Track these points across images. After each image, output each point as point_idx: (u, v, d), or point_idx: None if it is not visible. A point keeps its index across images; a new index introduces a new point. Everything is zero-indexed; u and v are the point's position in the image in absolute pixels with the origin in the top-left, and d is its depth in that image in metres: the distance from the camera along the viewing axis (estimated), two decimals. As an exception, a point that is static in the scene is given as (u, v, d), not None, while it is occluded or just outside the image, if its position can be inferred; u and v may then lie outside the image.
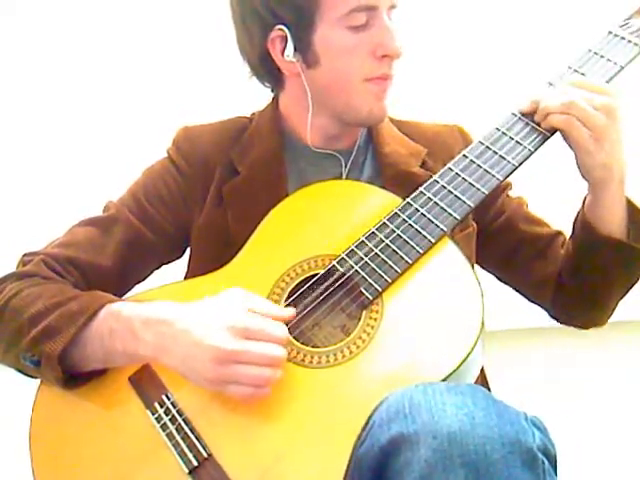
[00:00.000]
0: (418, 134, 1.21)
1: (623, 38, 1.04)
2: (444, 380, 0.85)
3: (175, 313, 0.93)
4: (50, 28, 1.99)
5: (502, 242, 1.21)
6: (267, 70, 1.14)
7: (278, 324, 0.91)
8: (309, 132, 1.14)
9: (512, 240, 1.21)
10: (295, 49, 1.07)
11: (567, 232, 1.17)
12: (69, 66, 2.01)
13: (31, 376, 1.02)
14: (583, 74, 1.03)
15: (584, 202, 1.08)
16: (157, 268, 1.18)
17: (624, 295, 1.14)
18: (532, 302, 1.25)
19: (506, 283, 1.26)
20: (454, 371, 0.86)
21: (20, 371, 1.02)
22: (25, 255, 1.10)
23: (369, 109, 1.09)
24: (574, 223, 1.12)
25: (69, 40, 2.00)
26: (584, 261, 1.10)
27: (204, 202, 1.13)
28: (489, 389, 1.12)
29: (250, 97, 1.22)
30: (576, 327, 1.23)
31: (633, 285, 1.12)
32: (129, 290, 1.13)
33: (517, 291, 1.26)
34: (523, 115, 1.03)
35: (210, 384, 0.89)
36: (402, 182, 1.07)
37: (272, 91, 1.20)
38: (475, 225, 1.17)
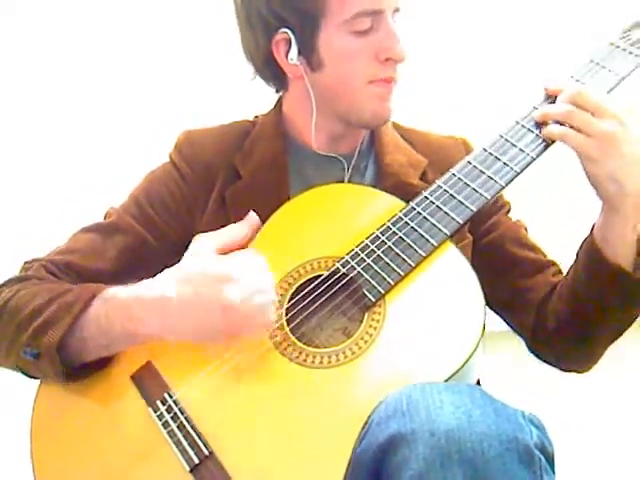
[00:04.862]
0: (422, 144, 1.21)
1: (624, 49, 1.05)
2: (447, 380, 0.85)
3: (167, 286, 0.95)
4: (50, 28, 1.99)
5: (489, 259, 1.16)
6: (271, 72, 1.15)
7: (252, 255, 0.96)
8: (314, 134, 1.15)
9: (500, 259, 1.18)
10: (299, 52, 1.08)
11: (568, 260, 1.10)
12: (70, 69, 2.01)
13: (31, 376, 1.02)
14: (584, 84, 1.03)
15: (594, 224, 1.03)
16: (160, 272, 1.19)
17: (614, 339, 1.07)
18: (513, 329, 1.20)
19: (489, 306, 1.13)
20: (454, 374, 0.86)
21: (22, 372, 1.02)
22: (26, 262, 1.11)
23: (372, 110, 1.10)
24: (580, 247, 1.06)
25: (70, 41, 2.00)
26: (582, 286, 1.04)
27: (206, 206, 1.14)
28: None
29: (253, 100, 1.23)
30: (554, 365, 1.16)
31: (626, 327, 1.05)
32: None
33: (499, 315, 1.20)
34: (526, 122, 1.04)
35: (226, 336, 0.93)
36: (400, 192, 1.07)
37: (277, 91, 1.21)
38: (471, 237, 1.16)
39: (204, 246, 0.99)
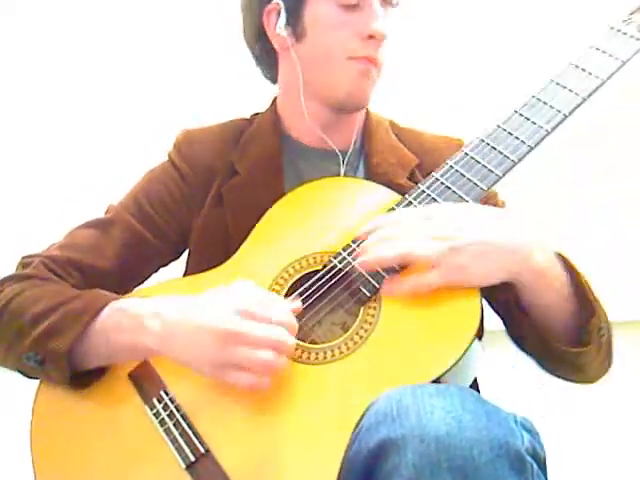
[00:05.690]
0: (416, 144, 1.20)
1: (625, 33, 1.03)
2: (441, 377, 0.85)
3: (182, 303, 0.93)
4: (50, 28, 2.00)
5: None
6: (262, 48, 1.18)
7: (286, 310, 0.90)
8: (300, 116, 1.15)
9: None
10: (287, 22, 1.11)
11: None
12: (70, 69, 2.02)
13: (31, 377, 1.02)
14: (584, 70, 1.02)
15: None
16: (155, 271, 1.19)
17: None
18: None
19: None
20: (449, 369, 0.85)
21: (20, 372, 1.03)
22: (24, 257, 1.11)
23: (348, 89, 1.10)
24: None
25: (70, 41, 2.01)
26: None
27: (204, 204, 1.14)
28: (478, 390, 1.10)
29: (251, 100, 1.24)
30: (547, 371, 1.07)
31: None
32: (128, 292, 1.12)
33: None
34: (525, 111, 1.03)
35: (212, 368, 0.88)
36: None
37: (273, 83, 1.22)
38: None
39: (248, 287, 0.93)
